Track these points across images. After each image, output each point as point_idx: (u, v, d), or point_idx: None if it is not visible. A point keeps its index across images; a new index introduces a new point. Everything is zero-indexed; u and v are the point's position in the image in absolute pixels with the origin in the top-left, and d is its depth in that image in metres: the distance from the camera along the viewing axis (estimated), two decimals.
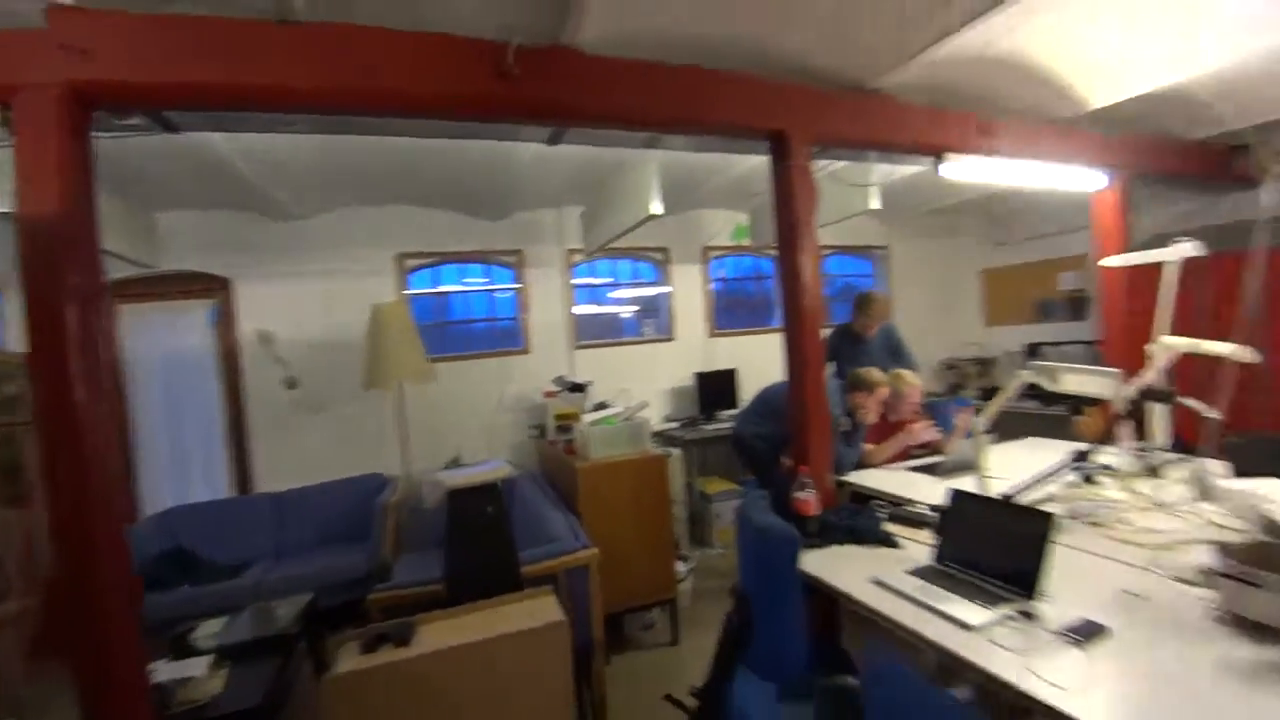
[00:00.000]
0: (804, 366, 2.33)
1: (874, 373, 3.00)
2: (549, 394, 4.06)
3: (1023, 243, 5.47)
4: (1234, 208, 3.32)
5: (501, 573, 2.03)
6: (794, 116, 2.29)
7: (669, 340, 4.95)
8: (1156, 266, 2.41)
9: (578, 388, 3.95)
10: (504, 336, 4.59)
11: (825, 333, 2.46)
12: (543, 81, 1.82)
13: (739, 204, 4.83)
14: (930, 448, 3.03)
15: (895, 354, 3.77)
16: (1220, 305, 3.17)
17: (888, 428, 3.11)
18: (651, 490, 3.11)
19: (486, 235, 4.41)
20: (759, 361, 4.78)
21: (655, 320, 5.02)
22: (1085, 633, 1.31)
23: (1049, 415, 4.13)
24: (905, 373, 3.20)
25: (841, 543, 1.98)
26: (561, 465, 3.34)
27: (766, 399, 3.41)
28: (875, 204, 3.50)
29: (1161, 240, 2.48)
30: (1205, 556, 1.49)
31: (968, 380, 5.55)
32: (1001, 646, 1.30)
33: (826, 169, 3.29)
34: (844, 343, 3.80)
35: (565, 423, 3.63)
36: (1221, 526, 1.81)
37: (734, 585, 1.97)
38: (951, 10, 1.99)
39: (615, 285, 4.97)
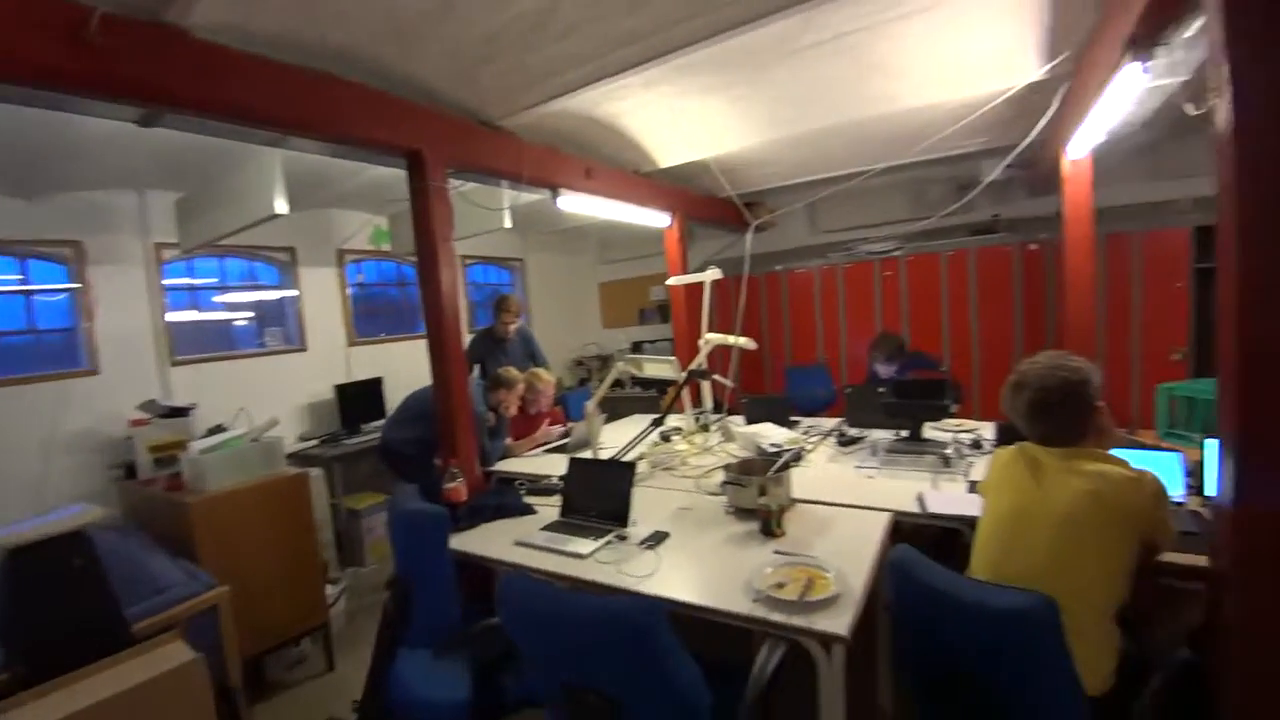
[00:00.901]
0: (447, 369, 2.55)
1: (512, 371, 3.41)
2: (137, 423, 3.29)
3: (627, 261, 6.78)
4: (741, 245, 4.87)
5: (105, 632, 1.68)
6: (430, 140, 2.48)
7: (301, 351, 4.51)
8: (701, 284, 3.41)
9: (178, 412, 3.32)
10: (55, 354, 3.51)
11: (469, 338, 2.73)
12: (137, 59, 1.60)
13: (378, 208, 4.72)
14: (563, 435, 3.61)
15: (531, 354, 4.30)
16: (749, 311, 4.65)
17: (528, 419, 3.57)
18: (290, 515, 2.88)
19: (18, 219, 3.30)
20: (406, 368, 4.75)
21: (281, 329, 4.51)
22: (656, 539, 1.89)
23: (648, 396, 5.29)
24: (540, 370, 3.72)
25: (490, 519, 2.27)
26: (162, 506, 2.80)
27: (411, 404, 3.51)
28: (508, 223, 3.94)
29: (704, 266, 3.53)
30: (722, 475, 2.27)
31: (592, 374, 6.58)
32: (603, 563, 1.77)
33: (461, 188, 3.56)
34: (486, 346, 4.15)
35: (165, 454, 3.03)
36: (737, 456, 2.73)
37: (389, 577, 2.07)
38: (560, 78, 2.49)
39: (224, 288, 4.28)
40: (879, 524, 1.89)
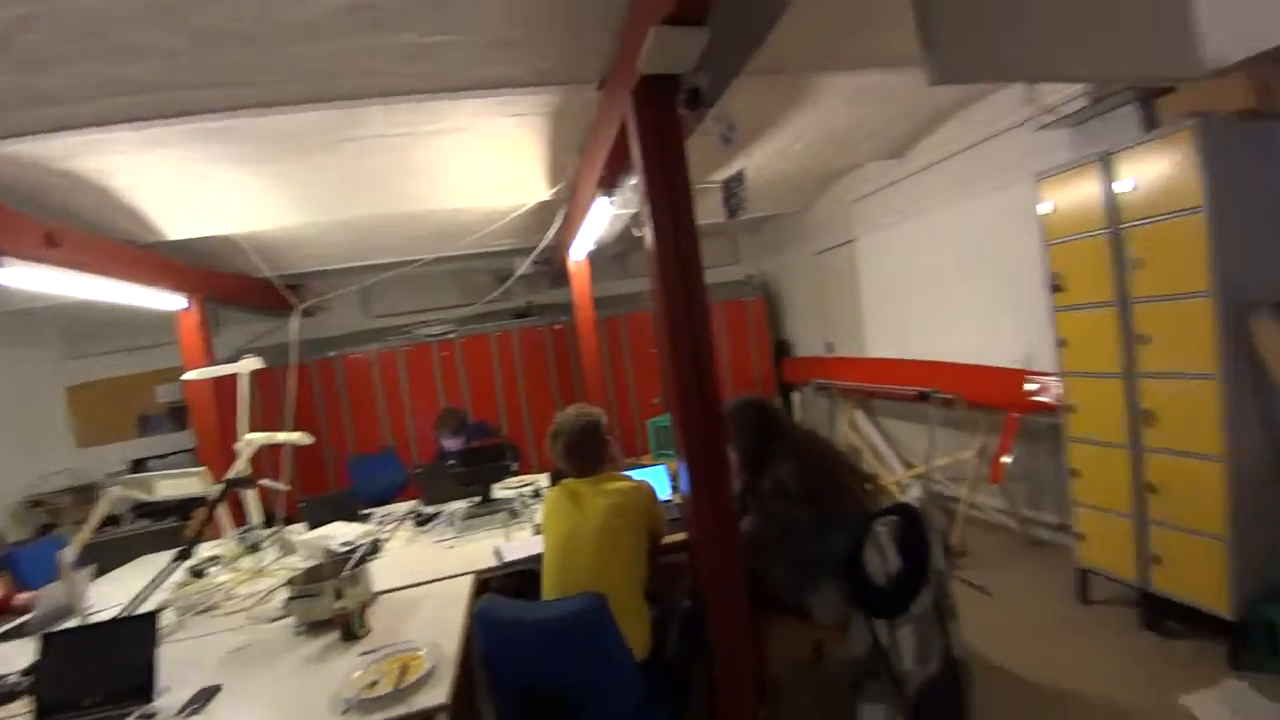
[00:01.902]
0: None
1: None
2: None
3: (113, 355, 5.19)
4: (285, 331, 4.38)
5: None
6: None
7: None
8: (235, 376, 2.92)
9: None
10: None
11: None
12: None
13: None
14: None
15: None
16: (302, 402, 4.13)
17: None
18: None
19: None
20: None
21: None
22: (202, 700, 1.50)
23: (165, 529, 4.08)
24: None
25: None
26: None
27: None
28: None
29: (238, 355, 3.03)
30: (284, 594, 1.97)
31: (62, 515, 4.69)
32: None
33: None
34: None
35: None
36: (301, 569, 2.39)
37: None
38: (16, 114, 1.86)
39: None
40: (464, 588, 1.97)
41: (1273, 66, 2.19)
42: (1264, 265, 2.03)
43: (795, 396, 5.71)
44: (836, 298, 5.07)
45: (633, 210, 2.91)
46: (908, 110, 3.26)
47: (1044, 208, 2.50)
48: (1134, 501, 2.32)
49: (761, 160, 3.55)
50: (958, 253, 3.61)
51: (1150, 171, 2.13)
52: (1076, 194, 2.37)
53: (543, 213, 3.57)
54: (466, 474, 2.86)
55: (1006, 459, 3.07)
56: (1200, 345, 2.03)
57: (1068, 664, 2.29)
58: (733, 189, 2.82)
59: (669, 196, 1.75)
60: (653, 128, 1.77)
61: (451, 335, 5.34)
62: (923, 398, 3.42)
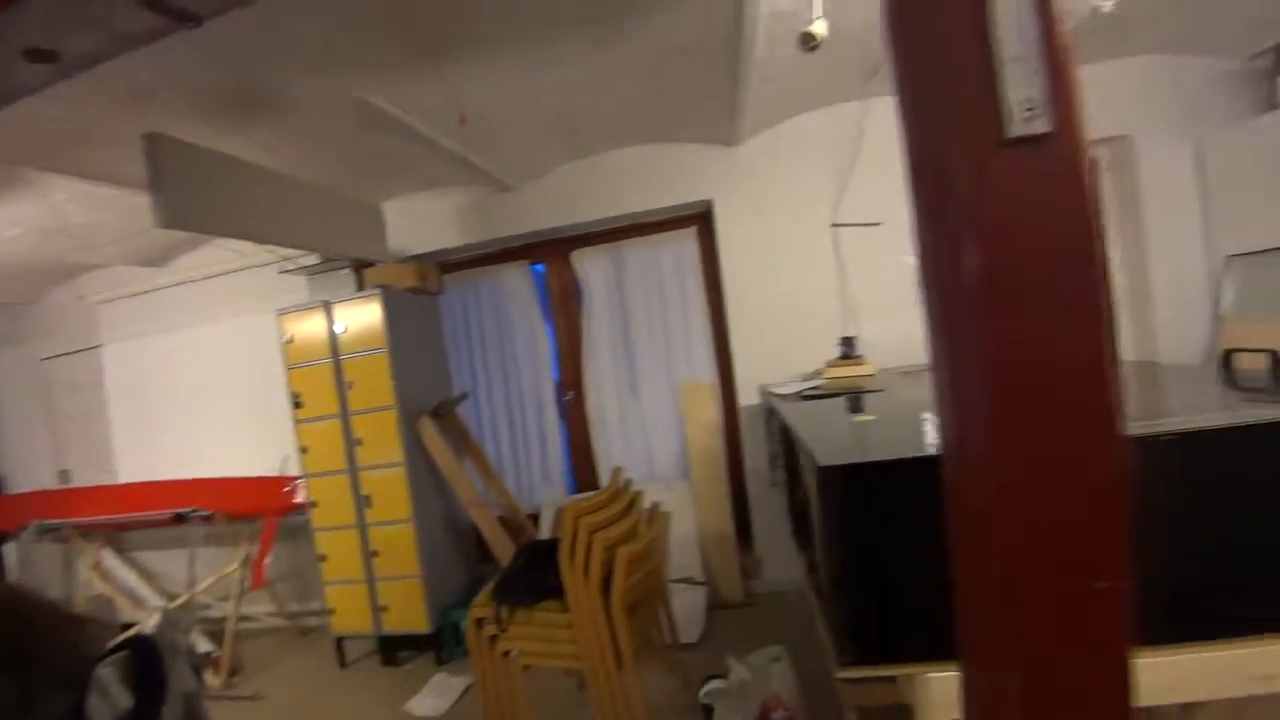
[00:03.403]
0: None
1: None
2: None
3: None
4: None
5: None
6: None
7: None
8: None
9: None
10: None
11: None
12: None
13: None
14: None
15: None
16: None
17: None
18: None
19: None
20: None
21: None
22: None
23: None
24: None
25: None
26: None
27: None
28: None
29: None
30: None
31: None
32: None
33: None
34: None
35: None
36: None
37: None
38: None
39: None
40: None
41: (429, 264, 3.46)
42: (423, 387, 3.12)
43: (7, 549, 4.22)
44: (75, 414, 4.19)
45: None
46: None
47: (284, 337, 3.01)
48: (364, 567, 2.98)
49: None
50: (217, 368, 3.74)
51: (357, 318, 2.94)
52: (309, 328, 2.99)
53: None
54: None
55: (268, 560, 3.30)
56: (392, 442, 2.90)
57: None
58: None
59: None
60: None
61: None
62: (180, 519, 3.27)
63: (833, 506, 1.07)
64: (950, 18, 0.57)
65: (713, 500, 3.15)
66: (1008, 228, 0.56)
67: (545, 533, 3.30)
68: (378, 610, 2.98)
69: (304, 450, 3.02)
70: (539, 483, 3.61)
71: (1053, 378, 0.57)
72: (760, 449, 3.07)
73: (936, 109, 0.59)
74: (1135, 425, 1.22)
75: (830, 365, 2.79)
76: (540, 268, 3.58)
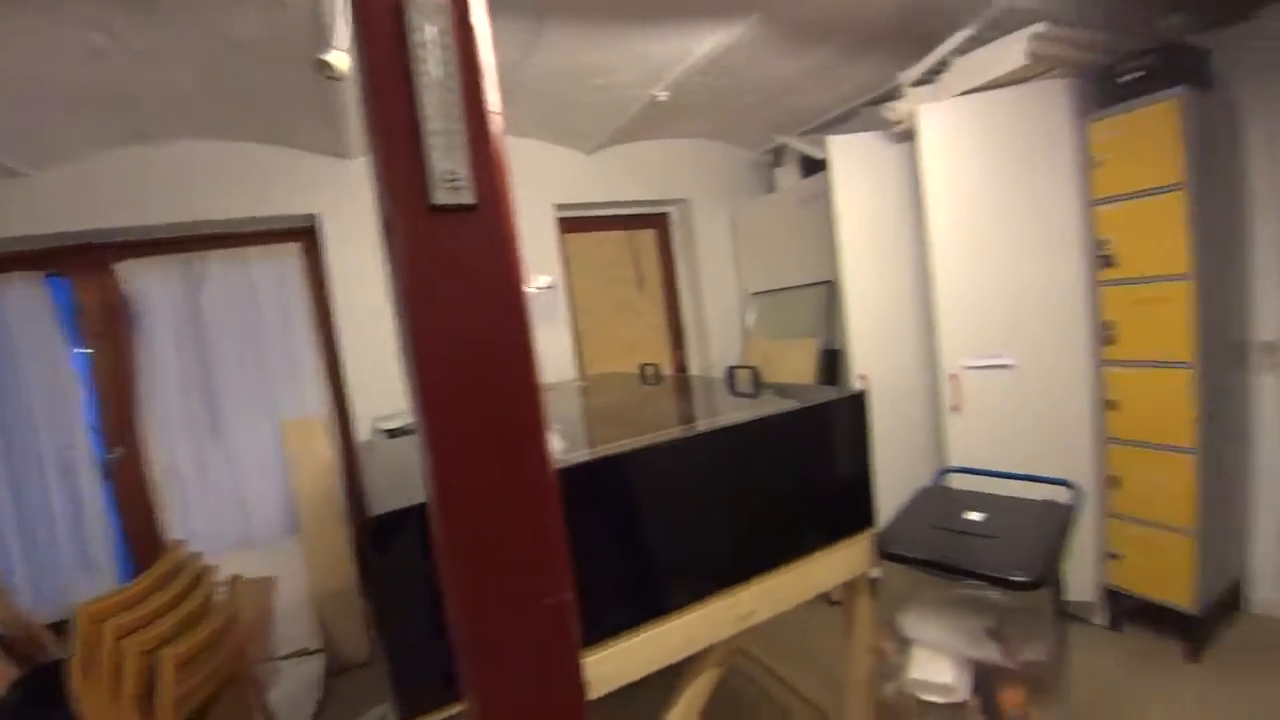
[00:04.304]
0: None
1: None
2: None
3: None
4: None
5: None
6: None
7: None
8: None
9: None
10: None
11: None
12: None
13: None
14: None
15: None
16: None
17: None
18: None
19: None
20: None
21: None
22: None
23: None
24: None
25: None
26: None
27: None
28: None
29: None
30: None
31: None
32: None
33: None
34: None
35: None
36: None
37: None
38: None
39: None
40: None
41: None
42: None
43: None
44: None
45: None
46: None
47: None
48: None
49: None
50: None
51: None
52: None
53: None
54: None
55: None
56: None
57: None
58: None
59: None
60: None
61: None
62: None
63: (369, 555, 1.03)
64: (391, 86, 0.58)
65: (329, 552, 2.78)
66: (435, 292, 0.58)
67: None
68: None
69: None
70: (73, 574, 2.65)
71: (488, 420, 0.61)
72: None
73: (385, 171, 0.59)
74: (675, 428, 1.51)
75: None
76: (62, 280, 2.66)
